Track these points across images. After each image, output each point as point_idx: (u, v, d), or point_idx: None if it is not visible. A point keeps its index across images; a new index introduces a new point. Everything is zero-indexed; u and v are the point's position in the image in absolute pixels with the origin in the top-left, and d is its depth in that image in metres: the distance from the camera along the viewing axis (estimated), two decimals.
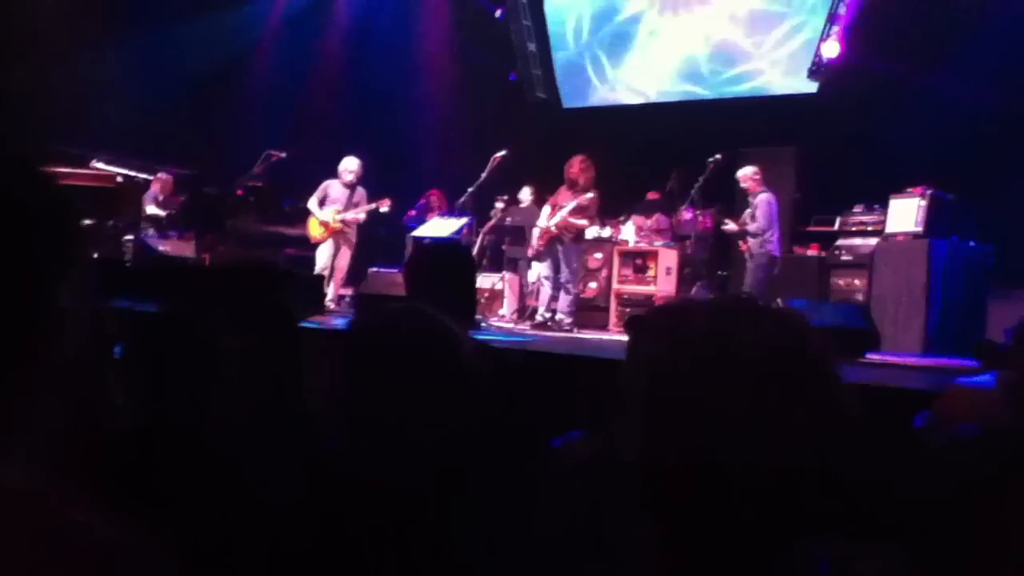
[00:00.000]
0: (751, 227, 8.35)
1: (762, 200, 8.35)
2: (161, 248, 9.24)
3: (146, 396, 1.86)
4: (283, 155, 9.31)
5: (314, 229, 8.82)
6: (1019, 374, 1.03)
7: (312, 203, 8.80)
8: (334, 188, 8.83)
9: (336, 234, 8.77)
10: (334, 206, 8.77)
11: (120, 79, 10.82)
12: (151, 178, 9.94)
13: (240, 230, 8.81)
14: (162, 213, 9.80)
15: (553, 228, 8.31)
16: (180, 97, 11.26)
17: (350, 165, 8.84)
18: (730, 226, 8.60)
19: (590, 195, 8.27)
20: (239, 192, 8.81)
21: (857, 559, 1.16)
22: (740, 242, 8.65)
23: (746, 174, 8.56)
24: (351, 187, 8.83)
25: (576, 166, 8.28)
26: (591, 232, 9.39)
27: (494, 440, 1.49)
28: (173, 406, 1.84)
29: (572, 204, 8.22)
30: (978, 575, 0.95)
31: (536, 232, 8.66)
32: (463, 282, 2.65)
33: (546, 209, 8.56)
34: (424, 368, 1.47)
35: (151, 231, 9.59)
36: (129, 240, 8.92)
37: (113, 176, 8.63)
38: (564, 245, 8.36)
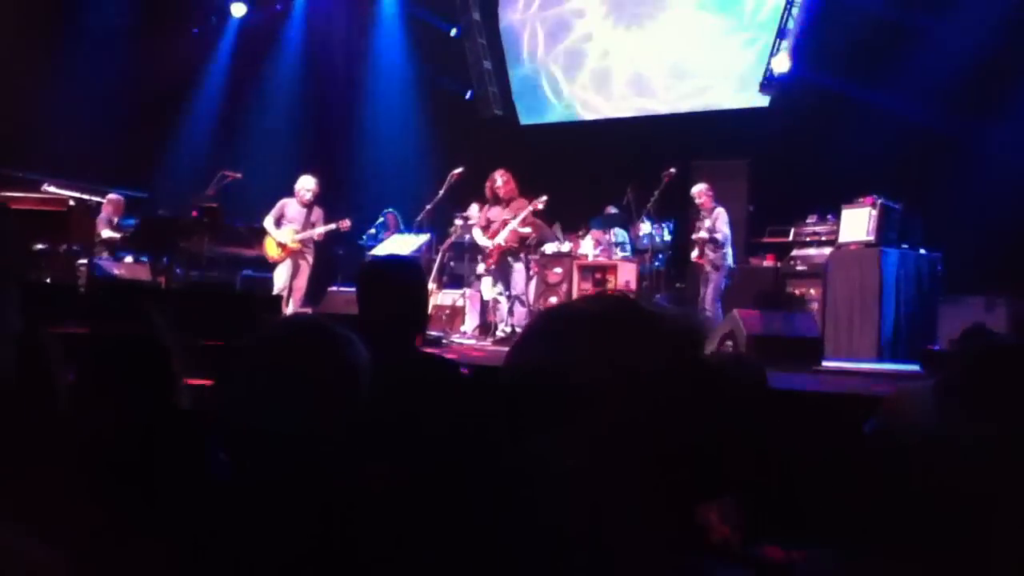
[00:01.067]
0: (718, 235, 8.60)
1: (721, 212, 8.69)
2: (116, 272, 9.10)
3: (100, 417, 1.85)
4: (238, 175, 9.23)
5: (271, 249, 8.75)
6: (949, 377, 1.07)
7: (268, 222, 8.73)
8: (291, 207, 8.77)
9: (294, 254, 8.71)
10: (291, 226, 8.72)
11: (70, 102, 10.71)
12: (103, 201, 9.81)
13: (195, 252, 8.70)
14: (116, 236, 9.67)
15: (503, 243, 8.45)
16: (132, 119, 11.16)
17: (307, 184, 8.79)
18: (702, 233, 8.74)
19: (520, 202, 8.45)
20: (194, 213, 8.70)
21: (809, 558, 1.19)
22: (695, 256, 8.83)
23: (700, 190, 8.84)
24: (308, 206, 8.78)
25: (499, 180, 8.45)
26: (550, 247, 9.48)
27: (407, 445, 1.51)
28: (128, 426, 1.83)
29: (522, 215, 8.38)
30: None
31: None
32: (414, 295, 2.64)
33: (477, 231, 8.73)
34: (306, 377, 1.50)
35: (105, 255, 9.45)
36: (83, 264, 8.78)
37: (65, 200, 8.46)
38: (514, 258, 8.53)
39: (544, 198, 8.51)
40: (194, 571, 1.37)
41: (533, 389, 0.97)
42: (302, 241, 8.72)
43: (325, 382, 1.52)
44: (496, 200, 8.54)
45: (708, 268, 8.70)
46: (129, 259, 9.49)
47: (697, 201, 8.86)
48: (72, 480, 1.47)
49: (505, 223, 8.45)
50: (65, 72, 10.73)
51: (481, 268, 9.09)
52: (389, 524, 1.34)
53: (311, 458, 1.46)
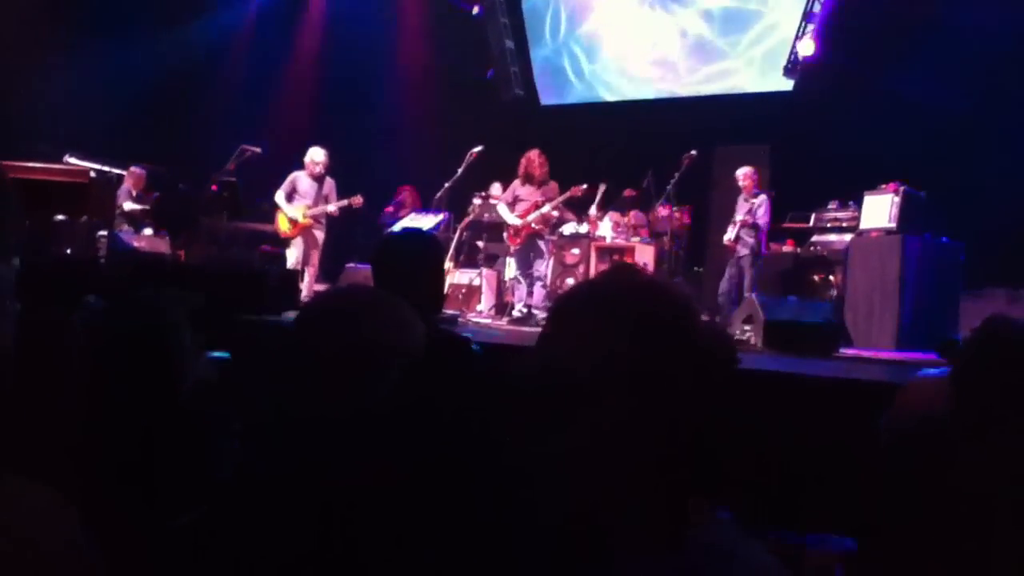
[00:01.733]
0: (760, 221, 8.54)
1: (765, 200, 8.63)
2: (136, 245, 9.16)
3: (107, 391, 1.85)
4: (258, 150, 9.23)
5: (283, 224, 8.70)
6: (964, 366, 1.06)
7: (280, 197, 8.66)
8: (302, 181, 8.70)
9: (305, 230, 8.67)
10: (303, 202, 8.65)
11: (93, 76, 10.74)
12: (124, 173, 9.86)
13: (214, 227, 8.73)
14: (136, 209, 9.73)
15: (534, 225, 8.42)
16: (153, 93, 11.19)
17: (316, 156, 8.70)
18: (744, 215, 8.64)
19: (551, 186, 8.45)
20: (213, 188, 8.71)
21: (807, 550, 1.18)
22: (730, 239, 8.70)
23: (746, 172, 8.80)
24: (319, 179, 8.69)
25: (535, 160, 8.40)
26: (568, 228, 9.45)
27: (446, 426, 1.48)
28: (134, 401, 1.83)
29: (559, 199, 8.40)
30: (924, 562, 0.98)
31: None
32: (430, 271, 2.62)
33: (503, 207, 8.65)
34: (371, 347, 1.43)
35: (125, 227, 9.51)
36: (103, 236, 8.84)
37: (86, 171, 8.50)
38: (542, 239, 8.51)
39: (584, 186, 8.53)
40: (199, 567, 1.36)
41: (543, 387, 0.96)
42: (314, 217, 8.68)
43: (387, 356, 1.46)
44: (529, 179, 8.47)
45: (744, 252, 8.60)
46: (149, 232, 9.55)
47: (740, 183, 8.79)
48: (70, 471, 1.47)
49: (536, 204, 8.40)
50: (88, 46, 10.75)
51: (487, 247, 9.07)
52: (395, 518, 1.33)
53: (344, 440, 1.41)
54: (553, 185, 8.46)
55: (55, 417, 1.77)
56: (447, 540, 1.26)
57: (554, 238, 9.32)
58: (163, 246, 9.15)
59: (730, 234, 8.75)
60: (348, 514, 1.32)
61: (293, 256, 8.68)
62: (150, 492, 1.62)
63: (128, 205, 9.71)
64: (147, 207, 9.83)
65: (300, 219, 8.60)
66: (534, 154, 8.47)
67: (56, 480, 1.36)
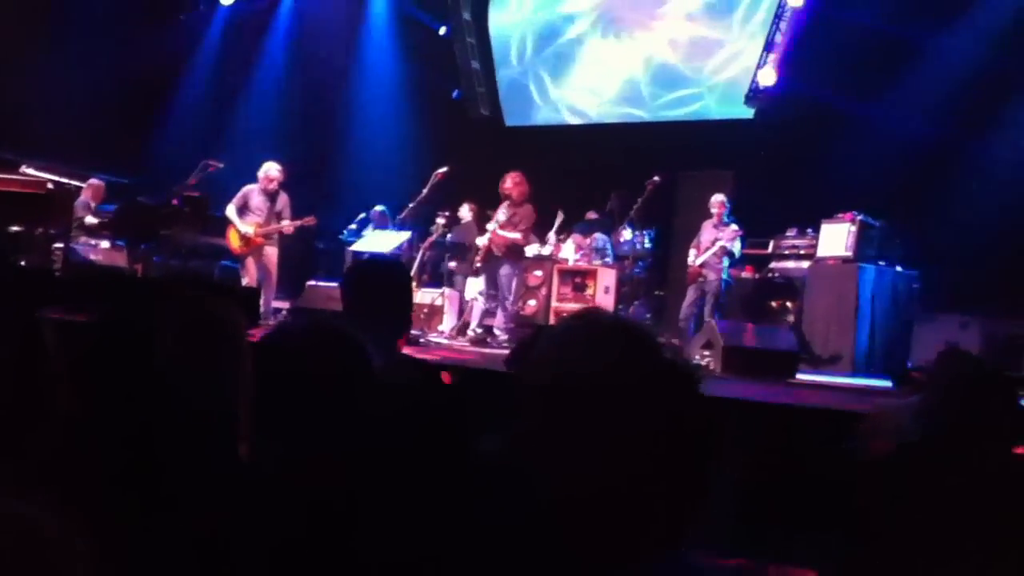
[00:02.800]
0: (735, 251, 8.54)
1: (736, 231, 8.61)
2: (92, 257, 9.01)
3: (82, 404, 1.82)
4: (220, 165, 9.12)
5: (234, 240, 8.51)
6: (928, 397, 1.09)
7: (231, 212, 8.43)
8: (254, 197, 8.46)
9: (257, 247, 8.50)
10: (255, 218, 8.45)
11: (54, 84, 10.60)
12: (83, 185, 9.71)
13: (175, 240, 8.62)
14: (95, 221, 9.57)
15: (486, 242, 8.50)
16: (117, 104, 11.07)
17: (271, 171, 8.47)
18: (723, 242, 8.61)
19: (522, 208, 8.49)
20: (174, 202, 8.60)
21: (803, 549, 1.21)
22: (696, 263, 8.71)
23: (721, 200, 8.79)
24: (272, 195, 8.52)
25: (508, 181, 8.49)
26: (531, 250, 9.48)
27: (410, 449, 1.52)
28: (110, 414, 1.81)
29: (502, 219, 8.45)
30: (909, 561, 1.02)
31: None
32: (400, 298, 2.68)
33: (491, 225, 8.78)
34: (326, 381, 1.49)
35: (82, 239, 9.35)
36: (59, 248, 8.69)
37: (44, 182, 8.37)
38: (500, 261, 8.53)
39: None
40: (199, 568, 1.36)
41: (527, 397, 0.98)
42: (266, 234, 8.51)
43: (349, 392, 1.52)
44: (507, 199, 8.59)
45: (712, 277, 8.59)
46: (106, 244, 9.38)
47: (713, 210, 8.78)
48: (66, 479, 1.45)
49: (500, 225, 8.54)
50: (51, 54, 10.61)
51: (449, 267, 9.12)
52: (396, 523, 1.34)
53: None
54: (527, 208, 8.50)
55: (25, 425, 1.73)
56: (442, 544, 1.27)
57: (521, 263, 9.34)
58: (120, 259, 9.00)
59: (695, 259, 8.77)
60: (345, 524, 1.34)
61: (248, 273, 8.52)
62: (146, 495, 1.61)
63: (89, 218, 9.55)
64: (104, 219, 9.68)
65: (252, 235, 8.43)
66: (511, 176, 8.54)
67: (46, 486, 1.35)
